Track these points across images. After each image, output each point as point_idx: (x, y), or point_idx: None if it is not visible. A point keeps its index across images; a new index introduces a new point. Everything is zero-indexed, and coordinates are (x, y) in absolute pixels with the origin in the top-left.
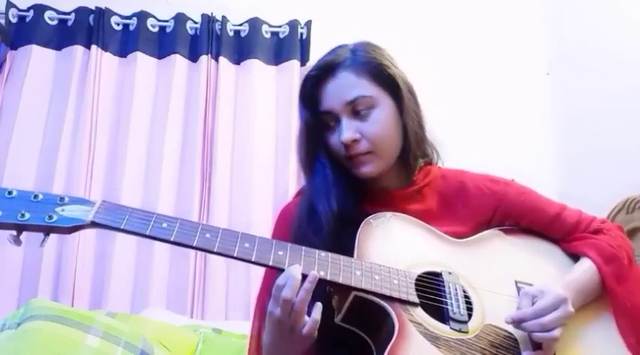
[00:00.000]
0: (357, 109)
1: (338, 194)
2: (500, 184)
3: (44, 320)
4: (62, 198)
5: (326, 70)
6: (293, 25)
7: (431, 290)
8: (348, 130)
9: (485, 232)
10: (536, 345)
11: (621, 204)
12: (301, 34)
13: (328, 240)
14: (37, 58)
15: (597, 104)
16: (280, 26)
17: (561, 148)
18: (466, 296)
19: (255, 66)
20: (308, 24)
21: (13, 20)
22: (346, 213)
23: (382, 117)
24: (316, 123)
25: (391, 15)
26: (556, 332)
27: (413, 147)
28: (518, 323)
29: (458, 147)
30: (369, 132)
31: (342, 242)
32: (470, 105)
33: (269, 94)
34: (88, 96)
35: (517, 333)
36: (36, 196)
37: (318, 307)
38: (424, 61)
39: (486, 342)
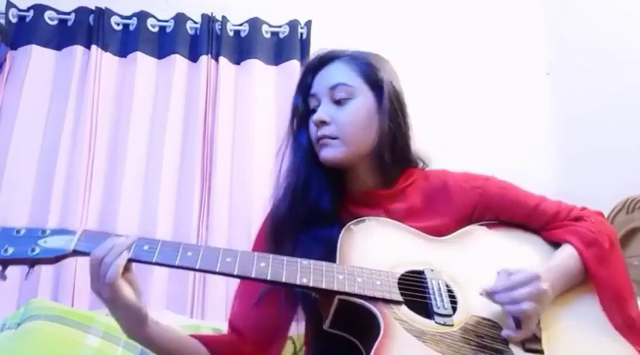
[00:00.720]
0: (336, 96)
1: (305, 165)
2: (480, 180)
3: (44, 320)
4: (44, 231)
5: (325, 59)
6: (293, 25)
7: (414, 288)
8: (321, 111)
9: (467, 228)
10: (517, 325)
11: (621, 204)
12: (301, 34)
13: (286, 218)
14: (37, 58)
15: (597, 104)
16: (280, 26)
17: (561, 148)
18: (450, 291)
19: (255, 66)
20: (308, 24)
21: (13, 20)
22: (325, 209)
23: (357, 109)
24: (305, 106)
25: (391, 15)
26: (525, 305)
27: (386, 149)
28: (490, 295)
29: (458, 147)
30: (340, 118)
31: (316, 233)
32: (470, 106)
33: (269, 94)
34: (88, 96)
35: (501, 321)
36: (18, 231)
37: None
38: (424, 61)
39: (472, 333)
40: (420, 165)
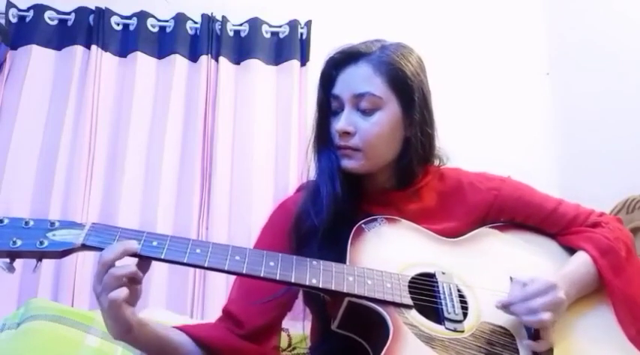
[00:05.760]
0: (362, 105)
1: (343, 179)
2: (496, 181)
3: (44, 320)
4: (53, 223)
5: (350, 55)
6: (293, 25)
7: (425, 292)
8: (345, 121)
9: (479, 230)
10: (534, 336)
11: (621, 204)
12: (301, 34)
13: (326, 225)
14: (37, 58)
15: (597, 104)
16: (280, 26)
17: (561, 148)
18: (461, 295)
19: (255, 66)
20: (308, 24)
21: (13, 20)
22: (346, 210)
23: (383, 121)
24: (327, 105)
25: (391, 15)
26: (544, 316)
27: (412, 160)
28: (506, 307)
29: (458, 147)
30: (365, 130)
31: (338, 235)
32: (470, 105)
33: (269, 94)
34: (88, 97)
35: (512, 328)
36: (27, 223)
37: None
38: (424, 62)
39: (482, 340)
40: (437, 162)
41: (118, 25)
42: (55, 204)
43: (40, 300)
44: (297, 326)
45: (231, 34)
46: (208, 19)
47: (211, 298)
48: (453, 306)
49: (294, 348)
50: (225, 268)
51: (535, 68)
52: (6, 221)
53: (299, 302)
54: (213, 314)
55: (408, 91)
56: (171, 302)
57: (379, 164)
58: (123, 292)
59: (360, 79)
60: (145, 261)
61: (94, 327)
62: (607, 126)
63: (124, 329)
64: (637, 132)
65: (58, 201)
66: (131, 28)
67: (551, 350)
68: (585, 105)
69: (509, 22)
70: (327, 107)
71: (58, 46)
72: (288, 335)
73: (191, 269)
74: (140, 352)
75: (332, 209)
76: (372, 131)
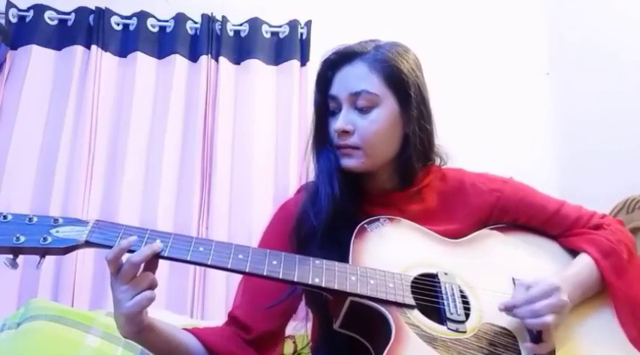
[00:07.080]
0: (359, 103)
1: (341, 179)
2: (498, 182)
3: (44, 320)
4: (56, 220)
5: (345, 56)
6: (293, 25)
7: (427, 292)
8: (343, 120)
9: (482, 231)
10: (536, 338)
11: (621, 204)
12: (301, 34)
13: (326, 226)
14: (37, 58)
15: (597, 104)
16: (280, 26)
17: (561, 148)
18: (463, 296)
19: (255, 66)
20: (308, 24)
21: (13, 20)
22: (345, 211)
23: (381, 118)
24: (325, 106)
25: (391, 15)
26: (547, 318)
27: (411, 156)
28: (510, 309)
29: (458, 147)
30: (363, 128)
31: (338, 235)
32: (470, 105)
33: (269, 94)
34: (88, 97)
35: (515, 330)
36: (30, 219)
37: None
38: (424, 61)
39: (484, 341)
40: (438, 161)
41: (118, 25)
42: (55, 204)
43: (40, 300)
44: (302, 330)
45: (231, 34)
46: (208, 19)
47: (211, 298)
48: (455, 307)
49: (299, 354)
50: (228, 266)
51: (535, 68)
52: (9, 217)
53: (302, 307)
54: (213, 314)
55: (405, 87)
56: (171, 302)
57: (379, 162)
58: (153, 294)
59: (355, 77)
60: (152, 259)
61: (94, 327)
62: (607, 126)
63: (136, 329)
64: (637, 132)
65: (58, 201)
66: (131, 28)
67: (553, 352)
68: (585, 105)
69: (509, 22)
70: (325, 108)
71: (58, 46)
72: (294, 343)
73: (191, 269)
74: (141, 350)
75: (331, 209)
76: (370, 128)
